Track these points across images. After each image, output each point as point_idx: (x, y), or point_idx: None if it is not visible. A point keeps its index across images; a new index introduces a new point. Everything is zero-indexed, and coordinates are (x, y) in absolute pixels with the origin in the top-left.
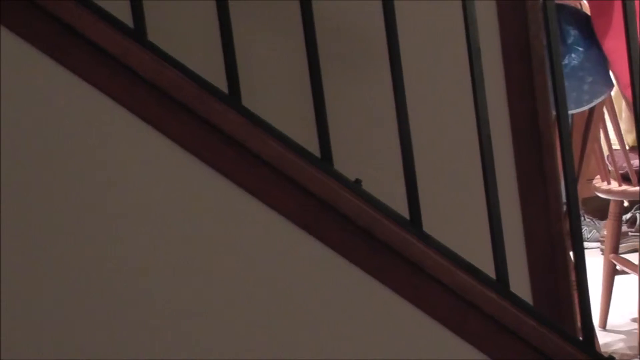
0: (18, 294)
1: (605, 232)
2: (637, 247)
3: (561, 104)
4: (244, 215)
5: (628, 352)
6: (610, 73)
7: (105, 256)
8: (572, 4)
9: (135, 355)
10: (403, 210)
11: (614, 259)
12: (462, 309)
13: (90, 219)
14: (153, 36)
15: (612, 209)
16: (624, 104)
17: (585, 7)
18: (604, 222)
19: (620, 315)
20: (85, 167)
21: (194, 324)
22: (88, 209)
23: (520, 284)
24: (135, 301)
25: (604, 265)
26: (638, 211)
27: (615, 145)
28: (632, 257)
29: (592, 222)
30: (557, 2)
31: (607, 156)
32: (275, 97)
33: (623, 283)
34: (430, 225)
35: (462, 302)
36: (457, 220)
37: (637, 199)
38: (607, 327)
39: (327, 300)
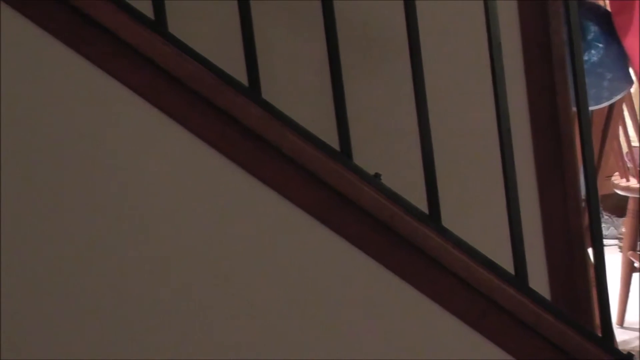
0: (22, 290)
1: (623, 229)
2: None
3: (582, 100)
4: (263, 208)
5: None
6: (630, 70)
7: (117, 250)
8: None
9: (145, 354)
10: (422, 204)
11: (632, 256)
12: (480, 304)
13: (106, 210)
14: (174, 28)
15: (630, 206)
16: None
17: (607, 4)
18: (622, 219)
19: (638, 312)
20: (102, 157)
21: (209, 317)
22: (105, 200)
23: (539, 280)
24: (147, 296)
25: (622, 262)
26: None
27: (635, 142)
28: None
29: (610, 219)
30: None
31: (626, 153)
32: (295, 90)
33: None
34: (448, 219)
35: (480, 297)
36: (476, 215)
37: None
38: (625, 325)
39: (345, 294)
